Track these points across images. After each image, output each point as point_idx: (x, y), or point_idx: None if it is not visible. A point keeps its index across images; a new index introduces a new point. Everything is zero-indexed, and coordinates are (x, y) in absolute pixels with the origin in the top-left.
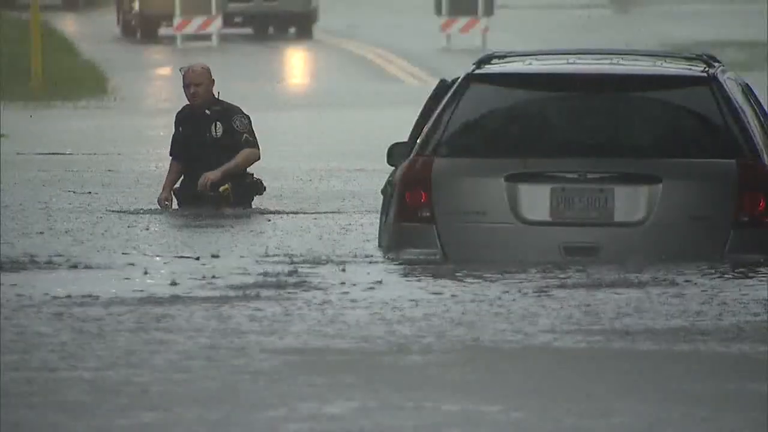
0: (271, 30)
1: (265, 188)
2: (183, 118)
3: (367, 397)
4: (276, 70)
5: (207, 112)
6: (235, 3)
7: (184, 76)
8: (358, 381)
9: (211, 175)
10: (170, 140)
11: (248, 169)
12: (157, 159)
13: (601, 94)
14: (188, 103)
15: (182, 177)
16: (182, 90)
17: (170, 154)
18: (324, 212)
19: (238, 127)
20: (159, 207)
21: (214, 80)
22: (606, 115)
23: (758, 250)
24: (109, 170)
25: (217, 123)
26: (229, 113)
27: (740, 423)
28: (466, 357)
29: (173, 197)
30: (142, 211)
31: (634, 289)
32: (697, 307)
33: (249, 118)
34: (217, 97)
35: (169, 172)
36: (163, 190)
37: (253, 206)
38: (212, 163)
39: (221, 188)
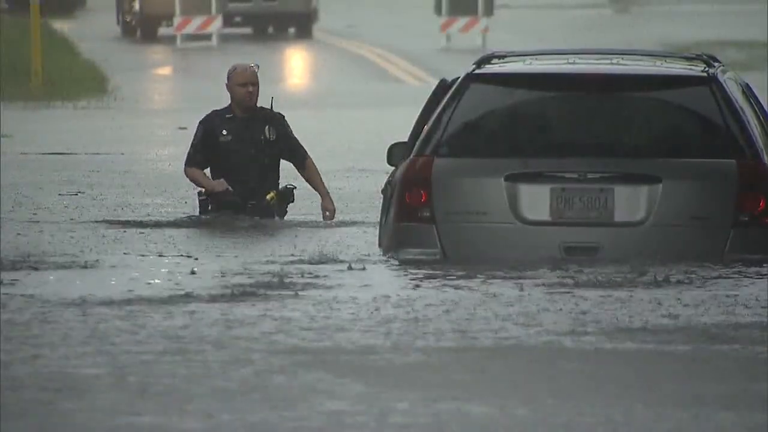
0: (270, 30)
1: (294, 198)
2: (224, 122)
3: (365, 396)
4: (276, 70)
5: (257, 115)
6: (235, 3)
7: (238, 74)
8: (357, 380)
9: (331, 206)
10: (190, 149)
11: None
12: (157, 159)
13: (601, 94)
14: (217, 109)
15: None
16: (182, 90)
17: (192, 163)
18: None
19: (291, 133)
20: (221, 191)
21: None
22: (606, 115)
23: (758, 250)
24: (110, 170)
25: (269, 126)
26: (275, 118)
27: (740, 423)
28: (466, 357)
29: (199, 204)
30: (143, 211)
31: (633, 289)
32: (697, 307)
33: None
34: (270, 104)
35: (198, 175)
36: (210, 180)
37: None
38: (261, 168)
39: (268, 196)
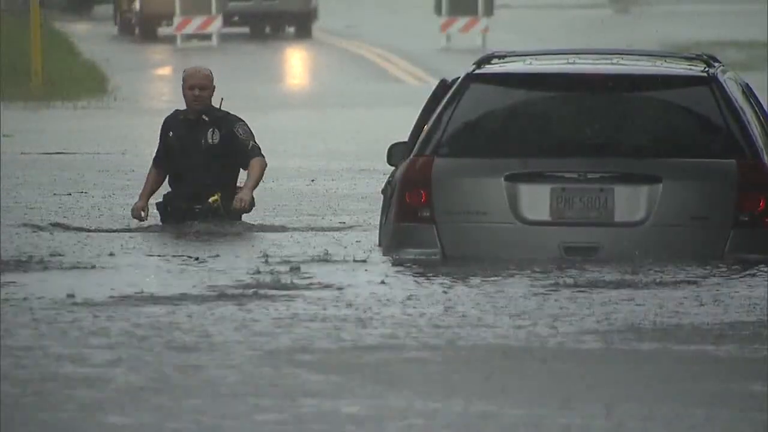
0: (267, 29)
1: (254, 204)
2: (174, 124)
3: (364, 396)
4: (276, 70)
5: (204, 118)
6: (235, 2)
7: (188, 76)
8: (357, 380)
9: (246, 197)
10: (156, 147)
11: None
12: None
13: (601, 94)
14: (180, 109)
15: (171, 188)
16: (182, 92)
17: (154, 161)
18: (324, 212)
19: (241, 134)
20: (133, 217)
21: (215, 87)
22: (606, 115)
23: (758, 250)
24: (110, 170)
25: (214, 129)
26: (227, 121)
27: (740, 423)
28: (466, 357)
29: (155, 210)
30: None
31: (633, 289)
32: (698, 307)
33: (248, 126)
34: (219, 105)
35: (146, 181)
36: (140, 198)
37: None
38: (204, 172)
39: (211, 199)
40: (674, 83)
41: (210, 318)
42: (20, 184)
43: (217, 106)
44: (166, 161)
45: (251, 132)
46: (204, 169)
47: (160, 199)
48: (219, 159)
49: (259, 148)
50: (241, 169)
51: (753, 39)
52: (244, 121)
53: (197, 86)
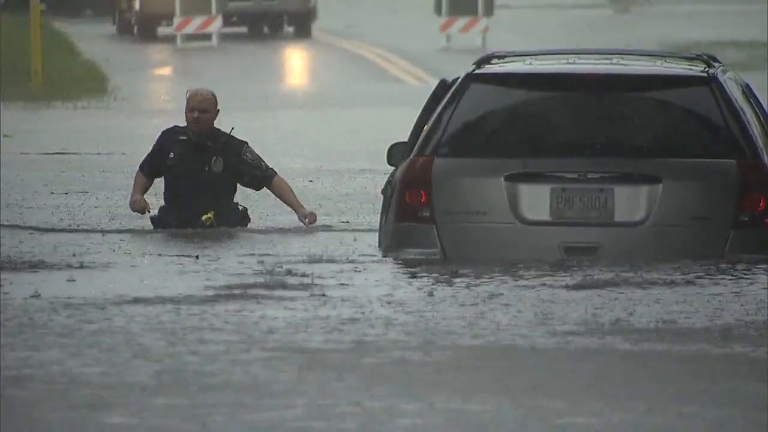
0: (266, 29)
1: (249, 219)
2: (176, 143)
3: (365, 396)
4: (275, 70)
5: (209, 143)
6: (235, 2)
7: (189, 98)
8: (357, 380)
9: (306, 211)
10: (147, 155)
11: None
12: None
13: (601, 94)
14: (179, 125)
15: (166, 203)
16: (182, 90)
17: (141, 168)
18: (324, 212)
19: (250, 159)
20: (134, 210)
21: (219, 110)
22: (606, 115)
23: (758, 250)
24: (110, 170)
25: (218, 158)
26: (232, 146)
27: (740, 423)
28: (466, 356)
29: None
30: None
31: (634, 289)
32: (697, 307)
33: (252, 148)
34: (230, 132)
35: (135, 182)
36: (135, 194)
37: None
38: (203, 197)
39: (204, 217)
40: (674, 83)
41: (210, 318)
42: (20, 184)
43: (227, 132)
44: (152, 171)
45: (257, 154)
46: (203, 195)
47: (155, 213)
48: (219, 185)
49: (271, 167)
50: (254, 190)
51: (753, 39)
52: (247, 143)
53: (197, 109)
